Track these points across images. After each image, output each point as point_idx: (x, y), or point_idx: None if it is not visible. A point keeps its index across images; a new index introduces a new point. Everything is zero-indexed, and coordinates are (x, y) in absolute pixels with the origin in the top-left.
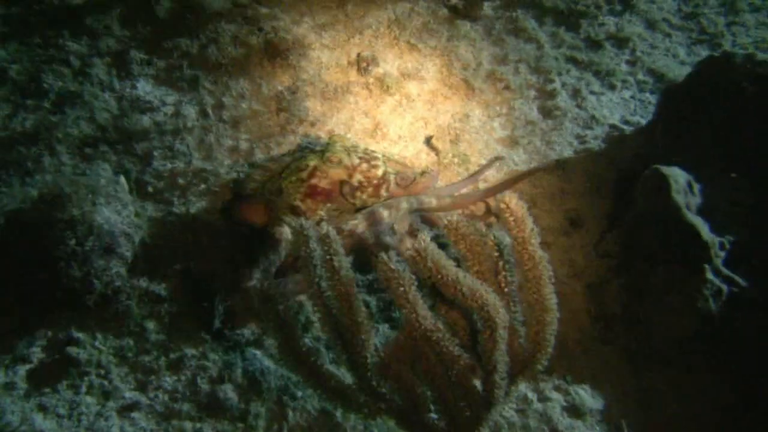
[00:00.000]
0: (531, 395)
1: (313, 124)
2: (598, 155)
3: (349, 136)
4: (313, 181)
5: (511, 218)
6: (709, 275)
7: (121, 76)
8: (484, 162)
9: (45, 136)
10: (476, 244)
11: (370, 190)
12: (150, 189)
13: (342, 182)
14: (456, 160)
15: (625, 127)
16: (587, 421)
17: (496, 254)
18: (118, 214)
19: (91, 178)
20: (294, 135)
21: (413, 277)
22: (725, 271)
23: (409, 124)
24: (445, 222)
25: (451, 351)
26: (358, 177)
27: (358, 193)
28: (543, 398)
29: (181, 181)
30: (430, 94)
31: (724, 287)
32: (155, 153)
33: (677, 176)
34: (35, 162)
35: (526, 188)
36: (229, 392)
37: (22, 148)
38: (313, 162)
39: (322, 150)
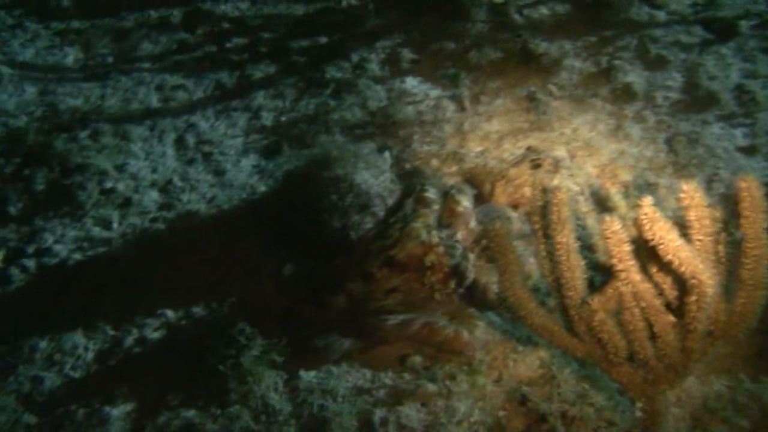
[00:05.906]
0: None
1: (560, 119)
2: None
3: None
4: (392, 252)
5: (748, 197)
6: None
7: (392, 72)
8: None
9: (323, 117)
10: (705, 216)
11: (440, 275)
12: (407, 166)
13: (416, 257)
14: None
15: None
16: None
17: (720, 226)
18: (375, 178)
19: (356, 146)
20: (542, 131)
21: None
22: None
23: None
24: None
25: (656, 306)
26: (432, 257)
27: (429, 273)
28: None
29: (435, 162)
30: None
31: None
32: (415, 137)
33: None
34: (312, 137)
35: None
36: None
37: (303, 125)
38: (396, 234)
39: (405, 222)
